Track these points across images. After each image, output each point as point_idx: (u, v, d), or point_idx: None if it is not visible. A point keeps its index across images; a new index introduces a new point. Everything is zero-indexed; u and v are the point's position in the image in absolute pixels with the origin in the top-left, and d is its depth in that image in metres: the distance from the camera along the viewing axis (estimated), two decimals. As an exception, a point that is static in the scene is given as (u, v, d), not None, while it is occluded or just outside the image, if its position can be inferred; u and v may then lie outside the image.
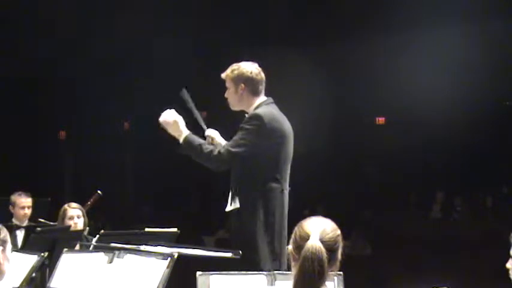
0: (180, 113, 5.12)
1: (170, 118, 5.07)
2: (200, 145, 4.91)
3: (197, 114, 5.20)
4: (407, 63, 13.53)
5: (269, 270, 4.18)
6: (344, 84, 14.99)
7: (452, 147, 14.65)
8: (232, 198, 4.91)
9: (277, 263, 4.76)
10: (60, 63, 14.92)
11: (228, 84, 5.03)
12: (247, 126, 4.87)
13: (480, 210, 13.94)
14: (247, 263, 4.50)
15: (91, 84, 15.28)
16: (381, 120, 16.19)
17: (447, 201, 14.32)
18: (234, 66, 5.03)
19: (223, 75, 5.06)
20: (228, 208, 4.95)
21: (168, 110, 5.09)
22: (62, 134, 17.71)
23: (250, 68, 4.99)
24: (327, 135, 15.15)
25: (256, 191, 4.84)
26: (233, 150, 4.83)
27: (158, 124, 5.11)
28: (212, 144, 5.08)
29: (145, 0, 13.59)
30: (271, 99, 5.04)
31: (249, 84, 4.97)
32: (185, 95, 5.21)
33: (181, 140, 5.01)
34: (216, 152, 4.85)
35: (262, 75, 5.03)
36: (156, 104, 16.99)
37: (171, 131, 5.07)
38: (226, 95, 5.06)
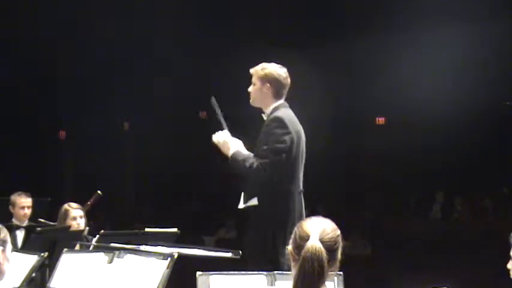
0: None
1: (221, 138, 5.15)
2: (243, 160, 5.01)
3: (224, 124, 5.26)
4: (407, 63, 13.52)
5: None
6: (344, 84, 14.98)
7: (452, 147, 14.64)
8: (248, 196, 4.98)
9: None
10: (60, 63, 14.91)
11: (254, 80, 5.16)
12: (271, 131, 4.99)
13: (480, 210, 13.93)
14: (272, 265, 4.56)
15: (91, 84, 15.28)
16: (380, 120, 16.19)
17: (447, 201, 14.31)
18: (265, 65, 5.16)
19: (252, 71, 5.18)
20: (241, 205, 5.01)
21: (221, 131, 5.18)
22: (62, 134, 17.69)
23: (279, 71, 5.14)
24: (326, 135, 15.14)
25: (275, 191, 4.93)
26: (267, 163, 4.92)
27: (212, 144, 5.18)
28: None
29: (146, 0, 13.60)
30: (287, 104, 5.17)
31: (275, 86, 5.11)
32: (214, 104, 5.27)
33: (229, 157, 5.10)
34: (254, 166, 4.93)
35: (289, 80, 5.19)
36: (156, 104, 17.02)
37: (222, 149, 5.16)
38: (250, 90, 5.18)
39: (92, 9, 13.34)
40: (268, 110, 5.12)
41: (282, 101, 5.13)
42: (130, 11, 13.35)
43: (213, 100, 5.25)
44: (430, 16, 12.99)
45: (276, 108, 5.09)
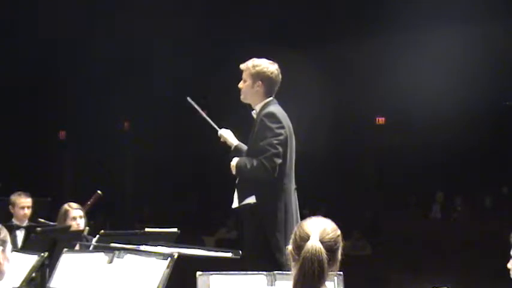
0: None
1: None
2: (245, 164, 4.97)
3: (206, 117, 5.26)
4: (407, 64, 13.53)
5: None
6: (344, 84, 14.99)
7: (452, 147, 14.65)
8: (243, 194, 4.96)
9: None
10: (60, 63, 14.92)
11: (245, 76, 5.11)
12: (268, 126, 4.96)
13: (480, 210, 13.93)
14: (273, 263, 4.55)
15: (91, 84, 15.28)
16: (380, 120, 16.19)
17: (447, 201, 14.31)
18: (256, 62, 5.11)
19: (242, 67, 5.13)
20: (236, 204, 5.00)
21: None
22: (62, 134, 17.70)
23: (271, 68, 5.10)
24: (327, 135, 15.14)
25: (273, 188, 4.92)
26: (268, 157, 4.89)
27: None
28: (225, 144, 5.16)
29: (146, 0, 13.60)
30: (276, 100, 5.14)
31: (267, 83, 5.07)
32: (191, 102, 5.26)
33: (234, 172, 5.06)
34: (255, 164, 4.90)
35: (280, 76, 5.14)
36: (156, 104, 17.00)
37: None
38: (240, 86, 5.14)
39: (92, 9, 13.35)
40: (258, 107, 5.10)
41: (271, 98, 5.12)
42: (131, 11, 13.35)
43: (189, 100, 5.25)
44: (430, 16, 13.00)
45: (266, 105, 5.07)
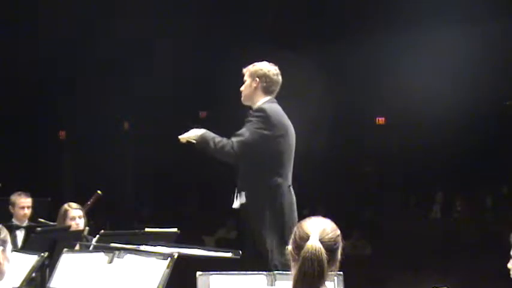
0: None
1: (189, 133, 5.15)
2: (213, 139, 5.03)
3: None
4: (407, 63, 13.52)
5: (280, 264, 4.40)
6: (344, 84, 14.98)
7: (452, 147, 14.65)
8: (239, 194, 4.99)
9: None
10: (60, 63, 14.91)
11: (245, 77, 5.20)
12: (252, 119, 5.04)
13: (480, 210, 13.93)
14: (257, 258, 4.58)
15: (91, 84, 15.28)
16: (380, 120, 16.19)
17: (447, 201, 14.31)
18: (256, 63, 5.20)
19: (244, 70, 5.22)
20: (235, 205, 5.03)
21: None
22: (62, 134, 17.69)
23: (269, 67, 5.18)
24: (327, 135, 15.14)
25: (262, 186, 4.94)
26: (241, 141, 4.96)
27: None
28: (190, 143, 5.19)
29: (146, 0, 13.60)
30: (275, 100, 5.18)
31: (264, 81, 5.13)
32: None
33: (199, 137, 5.09)
34: (228, 147, 4.96)
35: (280, 78, 5.21)
36: (156, 104, 16.98)
37: (192, 137, 5.11)
38: (242, 88, 5.21)
39: (92, 10, 13.35)
40: (255, 107, 5.15)
41: (270, 97, 5.15)
42: (130, 11, 13.35)
43: None
44: (430, 16, 12.99)
45: (263, 104, 5.12)
